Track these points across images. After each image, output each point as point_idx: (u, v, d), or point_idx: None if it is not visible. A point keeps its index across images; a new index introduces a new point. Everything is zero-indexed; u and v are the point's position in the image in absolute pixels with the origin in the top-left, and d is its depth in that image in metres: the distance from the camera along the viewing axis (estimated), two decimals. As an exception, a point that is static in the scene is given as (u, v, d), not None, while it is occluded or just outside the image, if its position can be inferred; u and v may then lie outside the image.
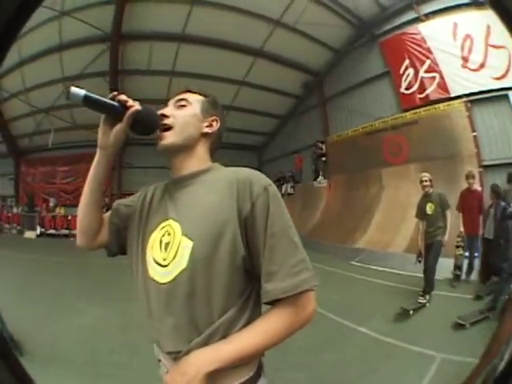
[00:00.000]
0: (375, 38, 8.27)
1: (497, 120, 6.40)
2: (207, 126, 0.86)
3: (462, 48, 6.99)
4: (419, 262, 4.15)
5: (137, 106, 0.78)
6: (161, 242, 0.75)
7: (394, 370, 2.61)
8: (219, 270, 0.68)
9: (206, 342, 0.67)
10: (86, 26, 7.48)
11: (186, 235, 0.71)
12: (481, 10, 7.19)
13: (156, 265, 0.74)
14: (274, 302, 0.68)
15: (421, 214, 4.16)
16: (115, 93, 0.78)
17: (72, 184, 11.96)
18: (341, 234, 7.21)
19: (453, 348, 2.66)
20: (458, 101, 6.79)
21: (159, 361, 0.79)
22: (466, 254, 4.93)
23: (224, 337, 0.67)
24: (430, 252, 4.05)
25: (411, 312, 3.73)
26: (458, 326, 3.24)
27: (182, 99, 0.87)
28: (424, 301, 3.95)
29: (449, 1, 7.34)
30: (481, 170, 6.29)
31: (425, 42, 7.38)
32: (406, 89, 7.71)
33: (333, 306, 3.69)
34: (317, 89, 9.95)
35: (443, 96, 7.02)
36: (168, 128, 0.81)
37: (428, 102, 7.32)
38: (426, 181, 4.06)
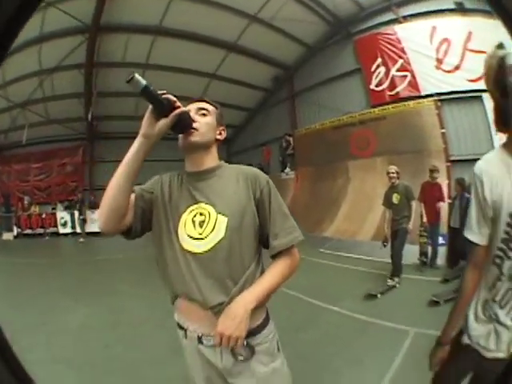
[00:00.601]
0: (350, 36, 8.50)
1: (467, 119, 6.70)
2: (219, 134, 1.10)
3: (438, 50, 7.27)
4: (384, 246, 4.39)
5: (182, 107, 0.95)
6: (193, 221, 0.98)
7: (369, 345, 2.78)
8: (246, 236, 0.98)
9: (241, 290, 0.94)
10: (66, 18, 7.43)
11: (220, 213, 0.96)
12: (465, 17, 7.59)
13: (191, 239, 0.97)
14: (277, 255, 1.00)
15: (387, 203, 4.38)
16: (164, 91, 0.91)
17: (45, 181, 11.88)
18: (308, 223, 7.27)
19: (425, 323, 2.88)
20: (429, 99, 7.05)
21: (185, 330, 1.01)
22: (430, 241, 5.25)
23: (251, 284, 0.96)
24: (396, 238, 4.29)
25: (378, 295, 3.92)
26: (433, 304, 3.50)
27: (203, 108, 1.07)
28: (392, 283, 4.19)
29: (431, 5, 7.65)
30: (448, 164, 6.62)
31: (399, 42, 7.63)
32: (377, 86, 7.94)
33: (306, 290, 3.96)
34: (287, 83, 10.15)
35: (413, 94, 7.27)
36: (195, 129, 1.01)
37: (398, 100, 7.57)
38: (393, 173, 4.27)
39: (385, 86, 7.81)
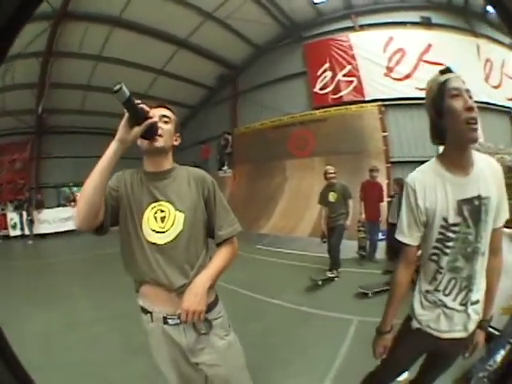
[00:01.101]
0: (301, 40, 8.73)
1: (412, 124, 7.04)
2: (175, 140, 1.27)
3: (390, 59, 7.65)
4: (324, 242, 4.56)
5: (155, 117, 1.12)
6: (155, 217, 1.15)
7: (315, 334, 2.90)
8: (198, 228, 1.20)
9: (197, 273, 1.16)
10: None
11: (178, 210, 1.16)
12: (429, 30, 8.05)
13: (154, 233, 1.14)
14: (221, 243, 1.23)
15: (323, 201, 4.50)
16: (139, 101, 1.04)
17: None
18: (245, 221, 7.25)
19: (367, 312, 2.98)
20: (373, 104, 7.37)
21: (151, 314, 1.17)
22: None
23: (204, 267, 1.18)
24: (333, 234, 4.44)
25: (320, 282, 4.05)
26: (362, 295, 3.71)
27: (166, 116, 1.23)
28: (332, 275, 4.37)
29: (393, 17, 8.09)
30: (388, 165, 6.97)
31: (351, 49, 7.92)
32: (321, 89, 8.19)
33: (246, 284, 4.14)
34: (231, 82, 10.26)
35: (357, 99, 7.55)
36: (160, 135, 1.16)
37: (341, 103, 7.83)
38: (331, 173, 4.41)
39: (329, 89, 8.08)
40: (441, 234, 1.10)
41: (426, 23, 8.35)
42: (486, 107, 8.10)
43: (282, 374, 2.30)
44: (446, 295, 1.13)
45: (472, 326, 1.16)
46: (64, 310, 3.60)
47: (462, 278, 1.11)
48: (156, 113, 1.18)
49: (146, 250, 1.13)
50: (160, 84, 9.89)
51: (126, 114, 1.01)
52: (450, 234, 1.09)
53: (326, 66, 8.12)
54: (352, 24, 8.24)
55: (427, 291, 1.17)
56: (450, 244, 1.09)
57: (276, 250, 6.19)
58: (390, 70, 7.54)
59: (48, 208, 10.22)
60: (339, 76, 7.93)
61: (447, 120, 1.05)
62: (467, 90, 1.03)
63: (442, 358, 1.26)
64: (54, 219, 9.83)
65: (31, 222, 9.49)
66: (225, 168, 10.31)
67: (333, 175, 4.40)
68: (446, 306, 1.14)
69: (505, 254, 2.22)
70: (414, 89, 7.10)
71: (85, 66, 8.71)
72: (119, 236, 1.19)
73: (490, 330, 2.29)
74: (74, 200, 10.80)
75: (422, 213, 1.11)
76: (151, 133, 1.10)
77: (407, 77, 7.33)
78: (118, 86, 0.94)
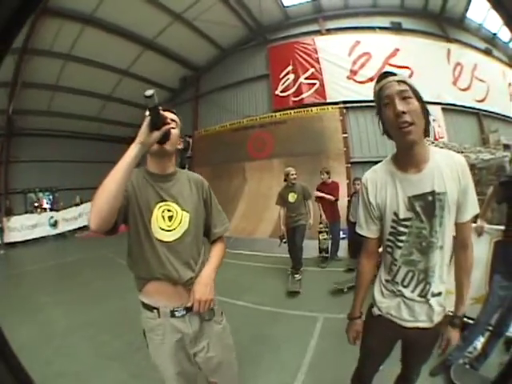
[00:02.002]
0: (267, 43, 8.95)
1: (372, 125, 7.26)
2: (179, 144, 1.36)
3: (354, 63, 7.95)
4: (284, 243, 4.63)
5: (172, 124, 1.25)
6: (163, 216, 1.25)
7: (284, 332, 3.03)
8: (200, 227, 1.35)
9: (201, 267, 1.31)
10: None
11: (184, 210, 1.29)
12: (397, 35, 8.42)
13: (162, 231, 1.24)
14: (215, 240, 1.42)
15: (282, 201, 4.56)
16: (161, 107, 1.11)
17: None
18: None
19: (332, 309, 3.25)
20: (334, 106, 7.60)
21: (157, 310, 1.26)
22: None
23: (204, 262, 1.34)
24: (294, 234, 4.50)
25: (300, 291, 4.06)
26: (337, 291, 3.85)
27: (174, 120, 1.31)
28: (300, 277, 4.47)
29: (362, 22, 8.45)
30: (348, 165, 7.18)
31: (316, 52, 8.18)
32: (282, 91, 8.37)
33: None
34: (194, 83, 10.37)
35: (318, 101, 7.77)
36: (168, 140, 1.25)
37: (302, 105, 8.02)
38: (293, 174, 4.49)
39: (290, 91, 8.27)
40: (393, 227, 1.18)
41: (396, 28, 8.69)
42: (452, 108, 8.37)
43: (253, 371, 2.39)
44: (404, 286, 1.20)
45: (437, 318, 1.22)
46: (39, 321, 3.58)
47: (419, 270, 1.17)
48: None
49: (156, 247, 1.22)
50: (124, 85, 9.95)
51: (147, 119, 1.09)
52: (402, 229, 1.16)
53: (289, 68, 8.33)
54: (319, 28, 8.52)
55: (387, 280, 1.26)
56: (403, 238, 1.16)
57: (238, 252, 6.25)
58: (353, 73, 7.82)
59: (16, 215, 9.87)
60: (301, 79, 8.14)
61: (387, 127, 1.13)
62: (401, 91, 1.06)
63: (414, 349, 1.32)
64: (22, 226, 9.52)
65: (1, 231, 9.10)
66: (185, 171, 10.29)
67: (293, 176, 4.50)
68: (404, 296, 1.21)
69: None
70: (376, 91, 7.32)
71: (54, 65, 8.69)
72: (128, 235, 1.26)
73: (466, 320, 2.39)
74: (40, 206, 10.72)
75: (374, 208, 1.21)
76: (165, 137, 1.19)
77: (371, 79, 7.57)
78: (150, 92, 1.02)
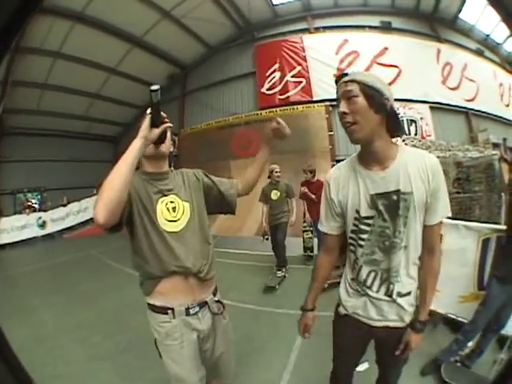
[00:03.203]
0: (254, 41, 9.14)
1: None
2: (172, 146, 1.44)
3: (342, 61, 8.18)
4: (266, 239, 4.71)
5: (169, 123, 1.26)
6: (167, 208, 1.30)
7: (269, 330, 3.05)
8: (202, 212, 1.41)
9: (212, 248, 1.41)
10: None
11: (184, 200, 1.36)
12: (387, 34, 8.69)
13: (169, 222, 1.29)
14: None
15: (265, 198, 4.65)
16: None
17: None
18: None
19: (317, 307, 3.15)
20: (320, 104, 7.80)
21: (172, 310, 1.27)
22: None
23: (213, 244, 1.44)
24: (276, 232, 4.60)
25: (277, 287, 4.19)
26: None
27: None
28: (282, 274, 4.56)
29: (351, 21, 8.70)
30: (334, 163, 7.16)
31: (303, 50, 8.40)
32: (268, 89, 8.56)
33: None
34: (180, 81, 10.51)
35: (304, 99, 7.97)
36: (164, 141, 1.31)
37: (287, 103, 8.21)
38: (277, 172, 4.60)
39: (277, 89, 8.45)
40: (354, 225, 1.17)
41: (386, 27, 8.95)
42: (440, 107, 8.62)
43: (240, 370, 2.38)
44: (368, 286, 1.19)
45: (409, 317, 1.21)
46: (31, 323, 3.64)
47: (381, 270, 1.16)
48: None
49: (166, 238, 1.26)
50: (111, 84, 10.08)
51: (149, 116, 1.16)
52: (364, 227, 1.15)
53: (276, 66, 8.53)
54: (307, 26, 8.76)
55: (352, 279, 1.25)
56: (364, 236, 1.15)
57: (223, 251, 6.32)
58: (340, 71, 7.94)
59: (5, 216, 9.87)
60: (288, 77, 8.35)
61: None
62: (346, 92, 1.06)
63: (387, 349, 1.27)
64: (12, 228, 9.58)
65: (-8, 233, 9.02)
66: (171, 169, 10.36)
67: (278, 174, 4.61)
68: (369, 295, 1.20)
69: (458, 241, 2.53)
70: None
71: (44, 63, 8.81)
72: (132, 235, 1.28)
73: (456, 318, 2.55)
74: (29, 207, 10.72)
75: (335, 205, 1.21)
76: (162, 138, 1.24)
77: (358, 78, 7.74)
78: (156, 87, 1.09)
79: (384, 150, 1.09)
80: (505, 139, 8.27)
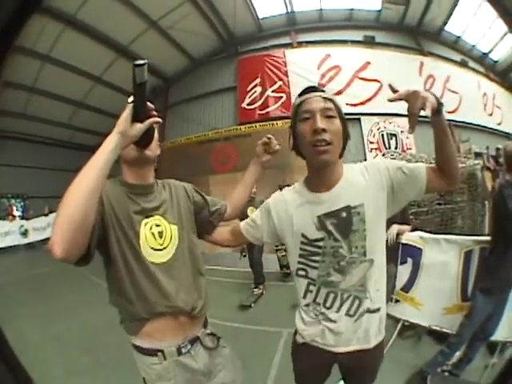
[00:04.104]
0: (237, 55, 9.28)
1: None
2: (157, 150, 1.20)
3: (323, 76, 8.40)
4: (244, 256, 4.81)
5: (157, 119, 1.00)
6: (152, 233, 1.10)
7: (248, 348, 3.01)
8: (191, 234, 1.23)
9: (206, 293, 1.26)
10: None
11: (171, 223, 1.16)
12: (370, 48, 8.94)
13: (155, 251, 1.09)
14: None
15: (241, 215, 4.74)
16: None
17: None
18: None
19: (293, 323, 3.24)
20: None
21: (162, 352, 1.10)
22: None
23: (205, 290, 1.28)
24: (252, 249, 4.70)
25: (252, 305, 4.29)
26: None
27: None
28: (259, 291, 4.65)
29: (334, 35, 8.92)
30: None
31: (285, 65, 8.57)
32: (248, 104, 8.68)
33: None
34: (162, 94, 10.58)
35: (284, 114, 8.08)
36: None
37: (267, 118, 8.36)
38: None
39: (257, 105, 8.59)
40: (303, 250, 1.12)
41: (369, 42, 9.19)
42: (421, 120, 8.81)
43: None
44: (328, 308, 1.13)
45: (376, 339, 1.15)
46: (8, 335, 3.68)
47: (341, 290, 1.10)
48: None
49: (153, 273, 1.06)
50: (96, 93, 10.13)
51: (130, 106, 0.92)
52: (314, 249, 1.10)
53: (257, 81, 8.66)
54: (290, 41, 8.94)
55: (306, 305, 1.18)
56: (317, 258, 1.10)
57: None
58: (321, 86, 8.13)
59: None
60: (268, 92, 8.51)
61: (299, 143, 1.09)
62: (326, 109, 1.03)
63: (352, 373, 1.25)
64: None
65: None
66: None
67: (254, 190, 4.68)
68: (329, 319, 1.13)
69: (440, 255, 2.60)
70: (344, 104, 7.71)
71: (33, 65, 8.78)
72: (108, 266, 1.06)
73: (440, 330, 2.60)
74: (12, 214, 10.81)
75: (279, 230, 1.20)
76: (147, 138, 1.00)
77: (339, 93, 8.02)
78: (142, 61, 0.85)
79: (336, 171, 1.10)
80: (487, 147, 8.65)
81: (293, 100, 1.12)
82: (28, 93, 9.70)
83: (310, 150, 1.04)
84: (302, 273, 1.16)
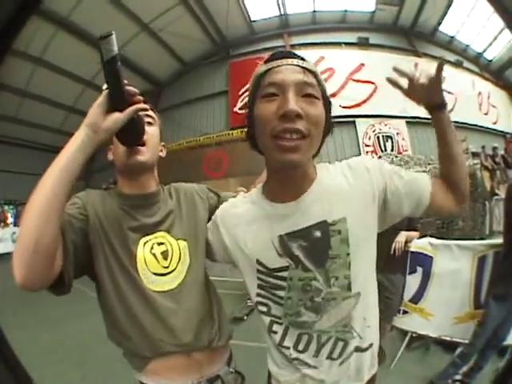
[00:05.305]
0: (229, 58, 9.25)
1: (333, 142, 7.77)
2: (161, 151, 1.00)
3: None
4: (235, 266, 4.64)
5: (142, 105, 0.78)
6: (154, 254, 0.88)
7: (239, 366, 2.90)
8: (202, 252, 0.96)
9: (219, 310, 1.02)
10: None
11: (179, 239, 0.93)
12: (363, 50, 8.91)
13: (159, 277, 0.88)
14: None
15: None
16: (126, 81, 0.74)
17: None
18: None
19: None
20: None
21: None
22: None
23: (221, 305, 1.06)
24: None
25: (245, 317, 4.20)
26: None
27: (149, 115, 0.93)
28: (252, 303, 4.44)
29: (328, 37, 8.94)
30: None
31: (277, 68, 8.64)
32: (240, 108, 8.63)
33: None
34: (153, 99, 10.41)
35: None
36: (143, 144, 0.86)
37: None
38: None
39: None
40: (261, 280, 0.82)
41: (363, 43, 9.21)
42: (417, 121, 8.88)
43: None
44: (302, 352, 0.83)
45: (368, 374, 0.86)
46: None
47: (317, 331, 0.80)
48: None
49: (154, 304, 0.85)
50: (86, 97, 10.00)
51: (105, 91, 0.73)
52: (276, 281, 0.79)
53: (249, 85, 8.62)
54: (283, 43, 8.89)
55: (276, 346, 0.86)
56: (281, 293, 0.79)
57: None
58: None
59: None
60: None
61: (256, 132, 0.74)
62: (304, 84, 0.69)
63: None
64: None
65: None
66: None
67: None
68: (306, 363, 0.83)
69: (452, 263, 2.50)
70: (338, 107, 7.79)
71: (26, 68, 8.71)
72: (101, 295, 0.88)
73: (449, 339, 2.48)
74: (4, 220, 10.71)
75: (229, 249, 0.88)
76: (134, 132, 0.79)
77: (333, 95, 7.80)
78: (109, 32, 0.68)
79: (307, 174, 0.78)
80: (483, 147, 8.69)
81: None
82: (20, 96, 9.66)
83: (272, 145, 0.69)
84: (262, 308, 0.85)
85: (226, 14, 8.39)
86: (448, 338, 2.53)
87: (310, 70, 0.72)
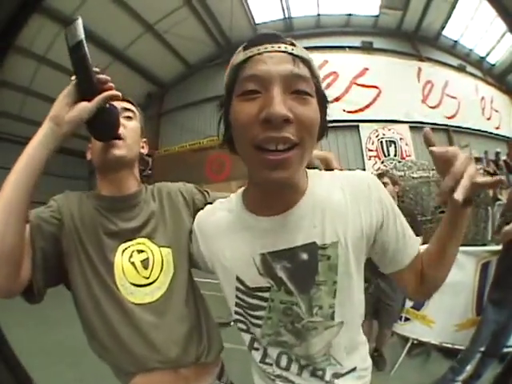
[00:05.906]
0: None
1: (336, 145, 7.76)
2: (142, 147, 0.95)
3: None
4: None
5: (114, 91, 0.72)
6: (133, 263, 0.81)
7: (236, 368, 2.93)
8: (186, 258, 0.87)
9: (207, 321, 0.95)
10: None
11: (162, 246, 0.85)
12: (367, 54, 8.95)
13: (136, 288, 0.80)
14: None
15: None
16: (96, 68, 0.69)
17: None
18: None
19: None
20: None
21: None
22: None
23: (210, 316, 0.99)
24: None
25: (231, 324, 4.09)
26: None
27: (128, 109, 0.88)
28: None
29: (332, 41, 8.96)
30: None
31: (281, 71, 8.69)
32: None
33: None
34: (157, 101, 10.51)
35: None
36: (119, 137, 0.80)
37: None
38: None
39: None
40: (239, 298, 0.73)
41: (367, 48, 9.22)
42: (421, 126, 8.87)
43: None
44: (286, 370, 0.76)
45: None
46: None
47: (296, 355, 0.74)
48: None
49: (135, 319, 0.79)
50: None
51: (72, 81, 0.69)
52: (256, 302, 0.71)
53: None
54: (286, 47, 8.98)
55: (261, 362, 0.80)
56: (260, 314, 0.71)
57: None
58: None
59: None
60: None
61: (234, 136, 0.63)
62: (295, 77, 0.56)
63: None
64: None
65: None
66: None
67: None
68: (291, 381, 0.77)
69: (455, 270, 2.45)
70: (341, 111, 7.87)
71: (30, 66, 8.72)
72: (79, 308, 0.82)
73: (451, 346, 2.48)
74: None
75: (207, 260, 0.79)
76: (107, 123, 0.73)
77: (336, 100, 7.98)
78: (73, 19, 0.66)
79: (298, 184, 0.65)
80: (486, 152, 8.68)
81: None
82: (24, 94, 9.64)
83: (254, 158, 0.56)
84: (241, 326, 0.78)
85: (230, 16, 8.43)
86: (450, 346, 2.53)
87: (301, 58, 0.57)
